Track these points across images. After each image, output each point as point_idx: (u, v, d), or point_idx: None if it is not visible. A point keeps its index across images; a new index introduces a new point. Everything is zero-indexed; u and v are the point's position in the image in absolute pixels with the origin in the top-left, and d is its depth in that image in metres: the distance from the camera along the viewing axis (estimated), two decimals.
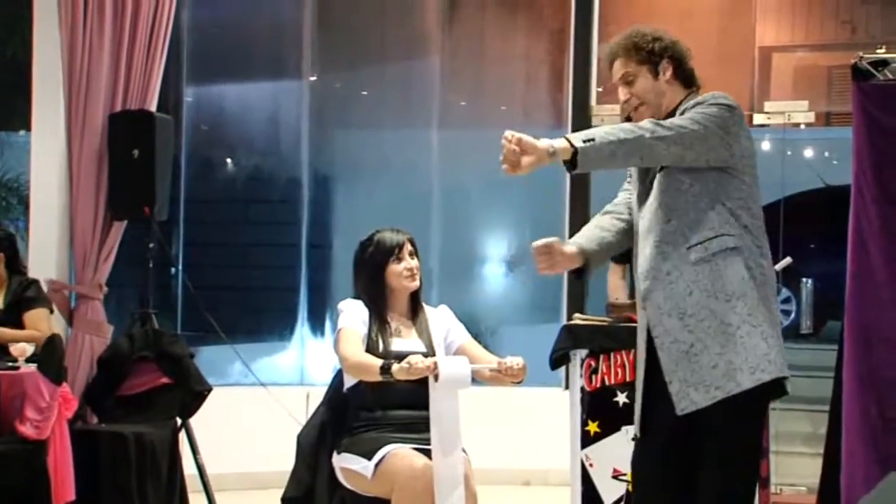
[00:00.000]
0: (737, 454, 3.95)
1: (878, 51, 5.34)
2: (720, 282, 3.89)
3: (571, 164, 3.74)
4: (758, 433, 4.05)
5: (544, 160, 3.73)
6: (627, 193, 4.25)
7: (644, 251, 4.00)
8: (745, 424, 3.95)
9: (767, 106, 7.50)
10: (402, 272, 4.76)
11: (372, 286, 4.77)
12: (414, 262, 4.79)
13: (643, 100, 4.05)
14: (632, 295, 5.52)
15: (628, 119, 4.09)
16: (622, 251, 4.27)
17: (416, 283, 4.80)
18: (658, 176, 3.98)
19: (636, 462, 4.16)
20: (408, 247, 4.79)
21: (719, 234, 3.90)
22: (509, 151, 3.77)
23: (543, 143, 3.74)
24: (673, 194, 3.92)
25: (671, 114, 4.01)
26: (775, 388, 3.93)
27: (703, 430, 3.93)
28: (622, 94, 4.10)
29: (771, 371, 3.86)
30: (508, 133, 3.78)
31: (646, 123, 3.80)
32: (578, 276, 4.20)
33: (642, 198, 4.05)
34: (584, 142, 3.72)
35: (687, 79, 4.07)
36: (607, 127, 3.80)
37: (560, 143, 3.74)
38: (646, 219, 3.99)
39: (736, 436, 3.94)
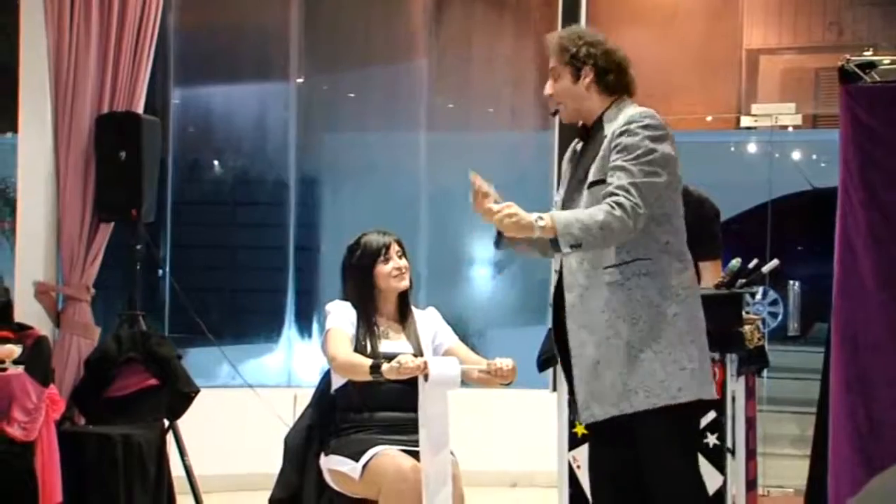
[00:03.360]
0: (662, 463, 4.09)
1: (865, 53, 5.36)
2: (630, 306, 4.01)
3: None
4: (679, 444, 4.12)
5: (529, 229, 3.87)
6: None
7: (569, 261, 4.10)
8: (663, 436, 4.07)
9: (755, 108, 7.52)
10: (391, 272, 4.76)
11: (361, 289, 4.77)
12: (402, 262, 4.79)
13: (561, 100, 4.17)
14: None
15: (555, 114, 4.20)
16: (545, 255, 4.34)
17: (406, 283, 4.80)
18: (586, 192, 4.06)
19: (591, 461, 4.32)
20: (395, 247, 4.79)
21: (636, 259, 4.01)
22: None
23: (531, 215, 3.88)
24: None
25: (598, 121, 4.12)
26: (688, 408, 4.05)
27: (631, 437, 4.10)
28: (547, 87, 4.21)
29: (663, 398, 4.00)
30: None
31: (611, 213, 3.87)
32: (495, 245, 4.27)
33: (569, 207, 4.12)
34: (572, 246, 3.87)
35: (611, 88, 4.14)
36: (584, 224, 3.87)
37: (546, 224, 3.87)
38: None
39: (656, 447, 4.08)
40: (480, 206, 3.92)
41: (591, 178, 4.04)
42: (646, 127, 3.97)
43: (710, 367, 4.13)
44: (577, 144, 4.25)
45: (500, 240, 4.21)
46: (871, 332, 5.09)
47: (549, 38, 4.21)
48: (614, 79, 4.13)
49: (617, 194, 3.90)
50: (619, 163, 3.95)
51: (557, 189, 4.34)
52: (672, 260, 4.04)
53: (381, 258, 4.76)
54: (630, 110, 4.07)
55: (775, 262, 5.57)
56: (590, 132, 4.15)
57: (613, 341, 4.01)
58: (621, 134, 3.98)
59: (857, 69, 5.18)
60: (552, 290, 4.23)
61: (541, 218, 3.88)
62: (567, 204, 4.13)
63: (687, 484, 4.12)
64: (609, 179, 3.96)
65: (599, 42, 4.15)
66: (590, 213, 3.90)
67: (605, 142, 4.03)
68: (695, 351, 4.04)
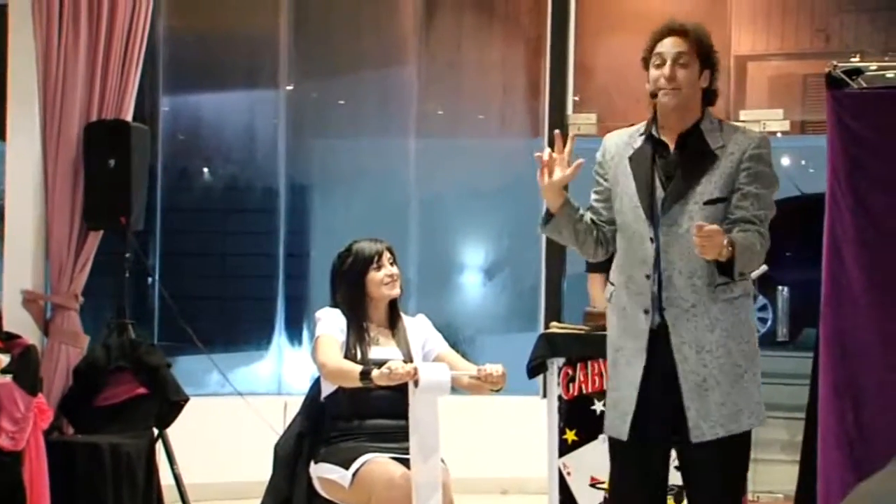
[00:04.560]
0: (728, 487, 4.12)
1: (852, 59, 5.37)
2: (737, 323, 4.02)
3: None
4: (744, 469, 4.23)
5: (720, 251, 3.80)
6: (602, 206, 4.22)
7: (669, 276, 4.01)
8: (738, 460, 4.14)
9: (743, 115, 7.52)
10: (383, 279, 4.77)
11: (352, 296, 4.77)
12: (394, 269, 4.80)
13: (681, 88, 4.03)
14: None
15: (654, 95, 4.06)
16: (582, 247, 4.24)
17: (397, 291, 4.81)
18: (705, 208, 3.97)
19: (620, 469, 4.21)
20: (387, 254, 4.81)
21: (743, 277, 4.02)
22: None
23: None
24: None
25: (693, 131, 4.05)
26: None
27: (697, 457, 4.07)
28: (667, 70, 4.03)
29: (760, 419, 4.08)
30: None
31: (763, 244, 3.96)
32: (545, 223, 4.21)
33: (669, 218, 4.02)
34: (741, 274, 3.93)
35: (708, 98, 4.12)
36: (752, 252, 3.91)
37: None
38: (676, 246, 3.99)
39: (729, 469, 4.11)
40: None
41: (712, 195, 3.98)
42: (770, 157, 4.05)
43: None
44: (653, 152, 4.09)
45: (547, 221, 4.17)
46: (859, 337, 5.10)
47: (683, 23, 4.11)
48: (713, 90, 4.12)
49: (756, 224, 3.95)
50: (754, 190, 3.97)
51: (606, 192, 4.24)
52: (754, 287, 4.16)
53: (374, 265, 4.77)
54: (740, 131, 4.09)
55: (764, 267, 5.57)
56: (680, 141, 4.07)
57: (722, 360, 3.99)
58: (754, 158, 3.99)
59: (843, 75, 5.18)
60: (625, 302, 4.14)
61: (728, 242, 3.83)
62: (666, 215, 4.01)
63: None
64: (741, 203, 3.97)
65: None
66: (751, 242, 3.90)
67: (729, 160, 3.99)
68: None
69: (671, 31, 4.08)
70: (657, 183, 4.05)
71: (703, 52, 4.06)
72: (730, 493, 4.12)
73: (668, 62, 4.03)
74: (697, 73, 4.05)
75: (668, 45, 4.05)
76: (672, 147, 4.07)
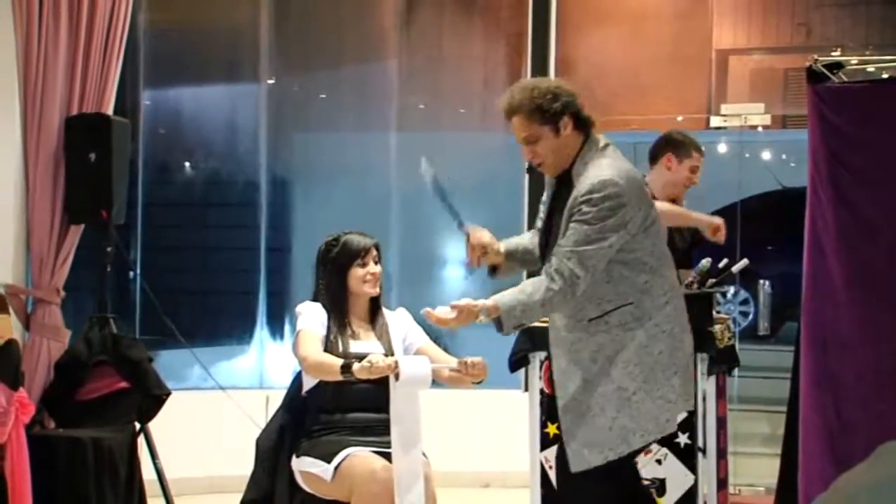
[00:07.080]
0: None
1: (833, 53, 5.39)
2: (621, 351, 4.06)
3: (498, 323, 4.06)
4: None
5: (474, 319, 4.05)
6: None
7: (553, 318, 4.21)
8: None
9: (724, 108, 7.54)
10: (364, 277, 4.77)
11: (334, 287, 4.77)
12: (377, 269, 4.80)
13: (545, 159, 4.15)
14: None
15: (531, 169, 4.22)
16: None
17: (377, 290, 4.81)
18: (560, 240, 4.07)
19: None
20: (373, 252, 4.81)
21: (618, 306, 4.06)
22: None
23: (476, 308, 4.04)
24: None
25: (572, 167, 4.12)
26: None
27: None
28: (526, 152, 4.18)
29: (654, 433, 4.09)
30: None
31: (551, 288, 3.98)
32: (491, 275, 4.44)
33: (544, 252, 4.20)
34: (516, 328, 4.07)
35: (584, 125, 4.16)
36: (525, 305, 4.00)
37: (492, 310, 4.03)
38: None
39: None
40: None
41: (561, 233, 4.07)
42: (605, 198, 3.97)
43: (690, 380, 4.20)
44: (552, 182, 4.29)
45: (493, 272, 4.39)
46: (840, 331, 5.12)
47: (511, 103, 4.17)
48: (585, 116, 4.16)
49: (560, 260, 3.98)
50: (573, 226, 4.00)
51: (539, 216, 4.40)
52: (654, 298, 4.08)
53: (359, 261, 4.78)
54: (594, 170, 4.05)
55: (745, 261, 5.59)
56: (557, 184, 4.23)
57: (608, 387, 4.07)
58: (583, 202, 4.00)
59: (824, 70, 5.21)
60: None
61: (485, 308, 4.01)
62: (548, 253, 4.15)
63: None
64: (561, 241, 4.03)
65: (562, 89, 4.15)
66: (530, 292, 3.99)
67: (571, 199, 4.05)
68: (677, 381, 4.10)
69: (506, 112, 4.19)
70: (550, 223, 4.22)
71: (545, 118, 4.11)
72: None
73: (523, 146, 4.18)
74: (553, 135, 4.11)
75: (514, 128, 4.18)
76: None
